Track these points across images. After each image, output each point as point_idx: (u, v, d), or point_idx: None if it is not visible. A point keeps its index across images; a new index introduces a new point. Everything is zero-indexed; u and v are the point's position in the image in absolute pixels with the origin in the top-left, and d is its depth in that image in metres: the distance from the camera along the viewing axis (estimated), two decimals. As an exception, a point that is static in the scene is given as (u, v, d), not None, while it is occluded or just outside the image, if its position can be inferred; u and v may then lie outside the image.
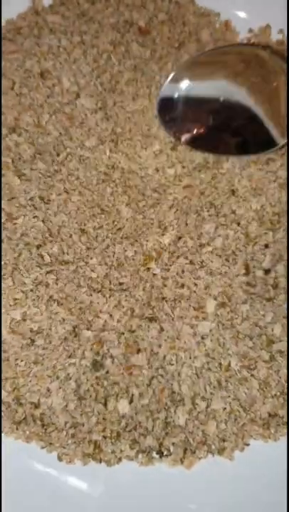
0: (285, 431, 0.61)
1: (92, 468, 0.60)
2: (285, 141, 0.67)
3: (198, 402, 0.61)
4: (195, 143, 0.69)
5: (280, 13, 0.74)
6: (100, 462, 0.60)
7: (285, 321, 0.63)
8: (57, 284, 0.64)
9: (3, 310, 0.63)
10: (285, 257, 0.65)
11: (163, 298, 0.64)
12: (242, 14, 0.76)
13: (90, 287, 0.64)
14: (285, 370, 0.62)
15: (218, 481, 0.59)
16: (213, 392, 0.61)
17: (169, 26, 0.75)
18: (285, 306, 0.64)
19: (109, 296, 0.64)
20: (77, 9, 0.76)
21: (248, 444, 0.61)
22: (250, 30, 0.76)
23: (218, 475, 0.59)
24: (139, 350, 0.63)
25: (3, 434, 0.61)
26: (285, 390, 0.62)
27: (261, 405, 0.61)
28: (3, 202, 0.67)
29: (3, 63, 0.73)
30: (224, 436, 0.61)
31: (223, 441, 0.61)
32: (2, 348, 0.62)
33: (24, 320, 0.63)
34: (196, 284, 0.64)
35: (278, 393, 0.62)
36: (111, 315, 0.63)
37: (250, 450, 0.61)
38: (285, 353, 0.62)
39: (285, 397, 0.62)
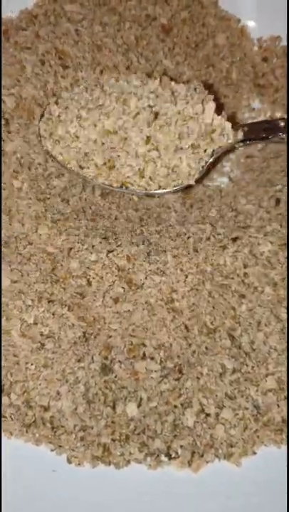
0: None
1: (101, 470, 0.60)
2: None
3: (206, 404, 0.62)
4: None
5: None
6: (109, 465, 0.61)
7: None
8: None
9: (16, 312, 0.64)
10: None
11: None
12: (251, 23, 0.77)
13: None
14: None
15: (224, 485, 0.60)
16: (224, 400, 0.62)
17: (189, 26, 0.76)
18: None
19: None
20: None
21: (255, 453, 0.61)
22: (259, 39, 0.77)
23: (225, 480, 0.60)
24: (144, 357, 0.63)
25: (13, 437, 0.61)
26: None
27: (276, 411, 0.62)
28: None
29: (15, 53, 0.73)
30: (232, 441, 0.61)
31: (231, 446, 0.61)
32: (13, 352, 0.63)
33: (35, 324, 0.64)
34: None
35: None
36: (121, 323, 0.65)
37: (258, 457, 0.61)
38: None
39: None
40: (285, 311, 0.64)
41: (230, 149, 0.73)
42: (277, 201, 0.70)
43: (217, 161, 0.74)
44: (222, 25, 0.77)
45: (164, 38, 0.74)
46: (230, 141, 0.67)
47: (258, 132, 0.70)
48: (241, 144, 0.71)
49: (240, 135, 0.69)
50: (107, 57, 0.71)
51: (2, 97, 0.70)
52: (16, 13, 0.76)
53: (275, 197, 0.71)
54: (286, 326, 0.64)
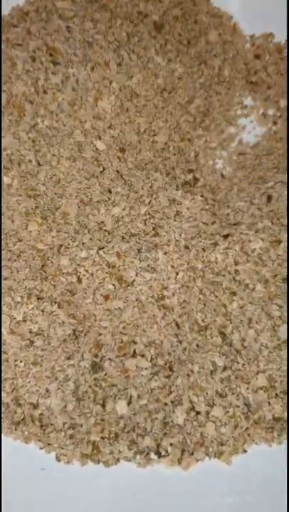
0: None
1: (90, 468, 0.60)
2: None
3: (197, 402, 0.62)
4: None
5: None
6: (98, 463, 0.61)
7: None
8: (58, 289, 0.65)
9: (5, 309, 0.64)
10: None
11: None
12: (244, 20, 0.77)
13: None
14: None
15: (214, 483, 0.60)
16: (214, 398, 0.62)
17: (181, 23, 0.76)
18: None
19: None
20: None
21: (246, 451, 0.61)
22: (252, 36, 0.77)
23: (215, 478, 0.60)
24: (134, 354, 0.63)
25: (2, 435, 0.61)
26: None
27: (266, 409, 0.62)
28: None
29: (7, 50, 0.73)
30: (222, 439, 0.61)
31: (221, 444, 0.61)
32: (2, 349, 0.63)
33: (24, 321, 0.64)
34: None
35: (281, 394, 0.62)
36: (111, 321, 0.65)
37: (249, 456, 0.61)
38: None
39: (287, 397, 0.62)
40: (277, 308, 0.64)
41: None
42: (269, 198, 0.70)
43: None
44: (214, 22, 0.76)
45: (155, 35, 0.74)
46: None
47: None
48: None
49: None
50: (98, 54, 0.71)
51: None
52: (7, 10, 0.76)
53: (267, 194, 0.71)
54: (277, 323, 0.64)
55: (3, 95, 0.70)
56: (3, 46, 0.73)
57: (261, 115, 0.77)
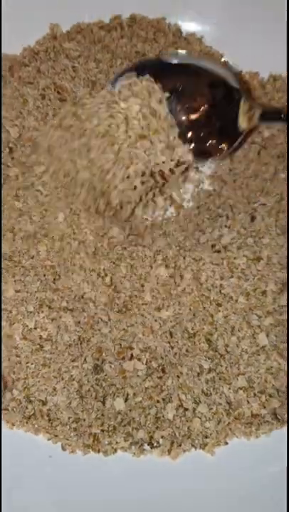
0: (267, 428, 0.70)
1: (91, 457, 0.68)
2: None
3: (185, 400, 0.70)
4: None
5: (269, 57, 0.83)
6: (98, 452, 0.68)
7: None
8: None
9: (19, 317, 0.72)
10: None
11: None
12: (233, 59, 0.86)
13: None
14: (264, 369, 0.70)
15: (200, 471, 0.68)
16: (200, 396, 0.70)
17: None
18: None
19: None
20: (93, 36, 0.84)
21: (227, 443, 0.69)
22: (240, 73, 0.85)
23: (200, 466, 0.68)
24: (132, 357, 0.71)
25: (15, 427, 0.70)
26: (267, 390, 0.70)
27: (246, 407, 0.69)
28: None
29: (19, 87, 0.81)
30: (206, 433, 0.69)
31: (206, 437, 0.69)
32: (15, 353, 0.71)
33: (35, 328, 0.72)
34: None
35: (259, 393, 0.70)
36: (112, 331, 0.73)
37: (230, 447, 0.69)
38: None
39: (263, 396, 0.70)
40: (256, 317, 0.72)
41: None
42: (253, 218, 0.78)
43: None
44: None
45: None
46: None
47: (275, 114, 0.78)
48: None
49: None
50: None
51: (7, 128, 0.79)
52: (19, 51, 0.84)
53: (251, 214, 0.78)
54: (256, 331, 0.72)
55: (16, 129, 0.79)
56: (15, 84, 0.82)
57: (249, 144, 0.85)
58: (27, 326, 0.72)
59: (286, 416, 0.69)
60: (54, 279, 0.75)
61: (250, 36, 0.84)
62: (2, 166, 0.78)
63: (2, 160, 0.78)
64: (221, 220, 0.78)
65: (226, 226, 0.78)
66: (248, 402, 0.69)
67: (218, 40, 0.86)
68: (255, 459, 0.68)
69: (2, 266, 0.74)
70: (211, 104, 0.77)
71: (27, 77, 0.82)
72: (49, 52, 0.83)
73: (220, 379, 0.70)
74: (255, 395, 0.69)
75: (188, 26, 0.87)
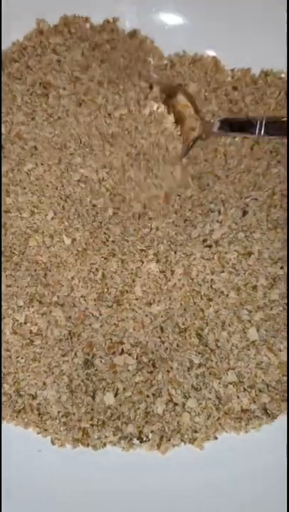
0: (257, 423, 0.70)
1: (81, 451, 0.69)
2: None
3: (175, 394, 0.70)
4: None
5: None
6: (88, 446, 0.68)
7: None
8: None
9: (10, 312, 0.72)
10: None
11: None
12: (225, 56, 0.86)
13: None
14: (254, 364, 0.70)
15: (189, 465, 0.68)
16: (190, 391, 0.70)
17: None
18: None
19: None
20: (80, 32, 0.84)
21: (216, 438, 0.69)
22: (232, 70, 0.85)
23: (189, 460, 0.68)
24: (122, 352, 0.71)
25: (5, 422, 0.70)
26: (257, 385, 0.70)
27: (235, 401, 0.69)
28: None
29: (9, 83, 0.81)
30: (196, 428, 0.69)
31: (195, 432, 0.69)
32: (5, 347, 0.71)
33: (25, 323, 0.72)
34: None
35: (248, 388, 0.70)
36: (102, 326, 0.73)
37: (219, 442, 0.69)
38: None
39: (253, 391, 0.70)
40: (247, 312, 0.72)
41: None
42: (244, 213, 0.78)
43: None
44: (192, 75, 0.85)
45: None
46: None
47: (233, 126, 0.81)
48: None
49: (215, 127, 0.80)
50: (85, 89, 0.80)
51: None
52: (7, 46, 0.84)
53: (243, 209, 0.78)
54: (247, 326, 0.71)
55: (3, 126, 0.79)
56: (5, 79, 0.82)
57: (242, 139, 0.84)
58: (17, 320, 0.72)
59: (276, 411, 0.69)
60: (45, 274, 0.75)
61: (240, 32, 0.84)
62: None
63: None
64: (212, 215, 0.78)
65: (217, 221, 0.77)
66: (238, 397, 0.69)
67: (207, 37, 0.86)
68: (245, 454, 0.67)
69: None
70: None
71: (15, 72, 0.82)
72: (36, 48, 0.83)
73: (210, 374, 0.70)
74: (245, 389, 0.69)
75: (175, 20, 0.87)
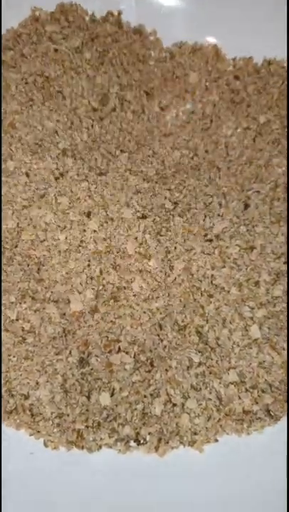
0: (259, 425, 0.67)
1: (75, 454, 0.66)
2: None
3: (173, 395, 0.67)
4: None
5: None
6: (82, 449, 0.66)
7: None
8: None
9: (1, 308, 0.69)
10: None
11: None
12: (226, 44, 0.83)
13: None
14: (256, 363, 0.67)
15: (187, 469, 0.65)
16: (189, 391, 0.67)
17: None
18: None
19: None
20: (78, 21, 0.81)
21: (217, 440, 0.66)
22: (234, 59, 0.82)
23: (188, 464, 0.65)
24: (119, 350, 0.69)
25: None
26: (259, 385, 0.67)
27: (237, 402, 0.67)
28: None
29: (3, 72, 0.78)
30: (195, 429, 0.66)
31: (195, 434, 0.66)
32: (-3, 346, 0.69)
33: (17, 319, 0.69)
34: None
35: (250, 388, 0.67)
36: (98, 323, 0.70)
37: (220, 444, 0.66)
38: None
39: (256, 391, 0.67)
40: (248, 309, 0.69)
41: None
42: (246, 206, 0.75)
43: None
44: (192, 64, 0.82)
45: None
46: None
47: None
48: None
49: None
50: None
51: None
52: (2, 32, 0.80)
53: (245, 202, 0.75)
54: (249, 323, 0.69)
55: None
56: None
57: (243, 129, 0.82)
58: (9, 317, 0.69)
59: (279, 412, 0.66)
60: (38, 269, 0.72)
61: (242, 19, 0.81)
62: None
63: None
64: (213, 208, 0.75)
65: (218, 215, 0.74)
66: (240, 397, 0.67)
67: (207, 24, 0.83)
68: (247, 457, 0.65)
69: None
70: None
71: (10, 60, 0.78)
72: (32, 35, 0.80)
73: (210, 373, 0.68)
74: (246, 390, 0.67)
75: (174, 6, 0.84)
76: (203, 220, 0.74)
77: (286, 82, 0.81)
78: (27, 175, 0.74)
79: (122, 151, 0.77)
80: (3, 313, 0.69)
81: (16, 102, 0.76)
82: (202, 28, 0.83)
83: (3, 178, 0.73)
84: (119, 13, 0.82)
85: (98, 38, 0.81)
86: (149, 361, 0.69)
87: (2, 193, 0.73)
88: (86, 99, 0.78)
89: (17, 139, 0.75)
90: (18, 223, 0.72)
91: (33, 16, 0.81)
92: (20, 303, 0.70)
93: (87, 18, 0.82)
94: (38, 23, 0.80)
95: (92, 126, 0.77)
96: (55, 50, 0.78)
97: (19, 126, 0.75)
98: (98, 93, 0.79)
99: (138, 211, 0.74)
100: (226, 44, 0.83)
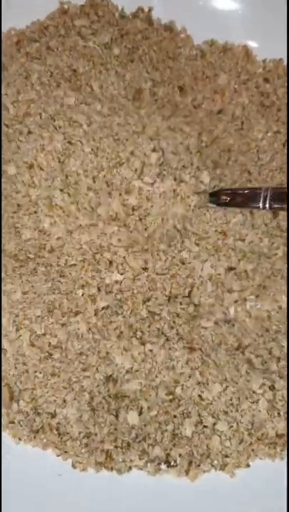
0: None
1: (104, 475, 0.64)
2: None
3: (205, 416, 0.65)
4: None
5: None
6: (112, 470, 0.64)
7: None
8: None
9: (26, 322, 0.67)
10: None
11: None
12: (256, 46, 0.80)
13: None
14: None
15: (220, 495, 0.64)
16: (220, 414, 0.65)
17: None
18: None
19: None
20: (108, 16, 0.79)
21: (249, 465, 0.65)
22: (264, 61, 0.80)
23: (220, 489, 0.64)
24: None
25: (22, 442, 0.65)
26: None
27: (269, 426, 0.65)
28: None
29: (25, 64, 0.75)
30: (227, 452, 0.64)
31: (226, 457, 0.64)
32: (22, 361, 0.66)
33: (44, 334, 0.67)
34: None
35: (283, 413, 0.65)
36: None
37: (253, 469, 0.65)
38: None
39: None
40: None
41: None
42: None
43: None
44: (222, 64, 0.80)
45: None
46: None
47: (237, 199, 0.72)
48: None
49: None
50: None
51: (7, 105, 0.73)
52: (26, 24, 0.77)
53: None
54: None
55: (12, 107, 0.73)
56: (22, 60, 0.75)
57: (274, 133, 0.79)
58: (35, 331, 0.67)
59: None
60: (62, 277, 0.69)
61: (273, 20, 0.79)
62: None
63: None
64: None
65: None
66: (272, 422, 0.65)
67: (240, 25, 0.81)
68: (280, 484, 0.63)
69: (7, 265, 0.69)
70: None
71: (35, 52, 0.75)
72: (59, 28, 0.76)
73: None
74: (279, 414, 0.65)
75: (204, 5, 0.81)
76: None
77: None
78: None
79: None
80: (29, 328, 0.67)
81: (35, 93, 0.73)
82: (233, 27, 0.81)
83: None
84: (150, 10, 0.79)
85: (128, 34, 0.78)
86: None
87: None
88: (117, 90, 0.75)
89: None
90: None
91: (62, 8, 0.77)
92: (46, 316, 0.67)
93: (116, 14, 0.78)
94: (66, 16, 0.76)
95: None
96: (84, 46, 0.74)
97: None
98: (131, 87, 0.76)
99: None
100: (257, 46, 0.81)
